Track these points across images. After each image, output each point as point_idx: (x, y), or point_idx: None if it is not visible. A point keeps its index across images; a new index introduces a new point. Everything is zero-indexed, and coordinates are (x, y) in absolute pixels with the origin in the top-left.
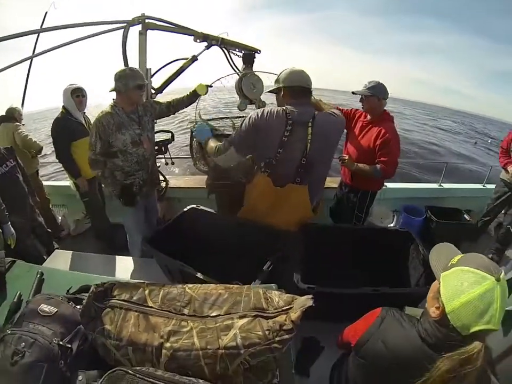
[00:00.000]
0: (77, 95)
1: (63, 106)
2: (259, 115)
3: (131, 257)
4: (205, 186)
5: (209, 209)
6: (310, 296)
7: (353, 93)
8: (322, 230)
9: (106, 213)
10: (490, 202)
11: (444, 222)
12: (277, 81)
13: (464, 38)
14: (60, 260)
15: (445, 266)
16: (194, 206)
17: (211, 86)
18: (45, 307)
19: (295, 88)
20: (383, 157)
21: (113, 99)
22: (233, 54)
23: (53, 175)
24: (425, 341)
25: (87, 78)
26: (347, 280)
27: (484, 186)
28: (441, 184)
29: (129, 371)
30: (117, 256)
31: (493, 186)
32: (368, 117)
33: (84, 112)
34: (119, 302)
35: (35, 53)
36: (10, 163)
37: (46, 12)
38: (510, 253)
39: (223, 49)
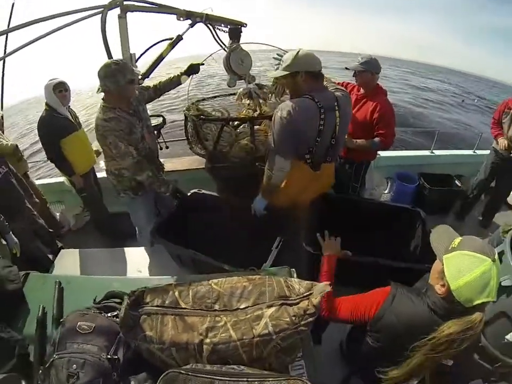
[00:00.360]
0: (59, 90)
1: (46, 103)
2: (292, 112)
3: (139, 248)
4: (202, 167)
5: (211, 192)
6: (328, 282)
7: (346, 68)
8: (335, 201)
9: (105, 203)
10: (482, 173)
11: (436, 188)
12: (291, 65)
13: None
14: (68, 260)
15: (446, 249)
16: (196, 190)
17: (202, 64)
18: (83, 324)
19: (315, 73)
20: (381, 130)
21: (103, 99)
22: (219, 30)
23: (42, 165)
24: (435, 312)
25: (63, 64)
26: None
27: (474, 152)
28: (433, 151)
29: (182, 371)
30: (125, 249)
31: (483, 152)
32: (362, 90)
33: (69, 106)
34: (154, 308)
35: (7, 50)
36: (2, 169)
37: (13, 3)
38: (497, 218)
39: (208, 25)
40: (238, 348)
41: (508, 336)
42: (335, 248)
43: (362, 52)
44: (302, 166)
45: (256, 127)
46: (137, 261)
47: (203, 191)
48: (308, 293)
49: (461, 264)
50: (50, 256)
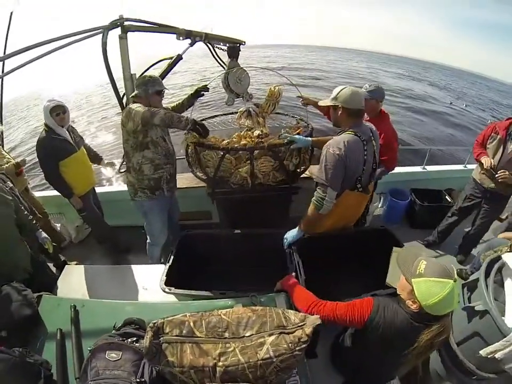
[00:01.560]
0: (56, 113)
1: (45, 123)
2: (342, 149)
3: (142, 266)
4: (200, 185)
5: (203, 231)
6: (318, 316)
7: None
8: (311, 241)
9: (105, 217)
10: (459, 201)
11: (426, 205)
12: (335, 99)
13: None
14: (73, 277)
15: (414, 273)
16: (186, 232)
17: (207, 90)
18: (112, 353)
19: (355, 110)
20: (385, 156)
21: (134, 102)
22: (218, 48)
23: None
24: (413, 319)
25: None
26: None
27: (465, 167)
28: (425, 167)
29: None
30: (129, 266)
31: (473, 166)
32: (366, 115)
33: (70, 125)
34: (174, 337)
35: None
36: (9, 184)
37: (12, 12)
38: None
39: (208, 44)
40: (245, 369)
41: (481, 352)
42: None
43: (348, 46)
44: (354, 193)
45: (262, 158)
46: (142, 278)
47: (193, 231)
48: (301, 324)
49: (429, 289)
50: (54, 270)
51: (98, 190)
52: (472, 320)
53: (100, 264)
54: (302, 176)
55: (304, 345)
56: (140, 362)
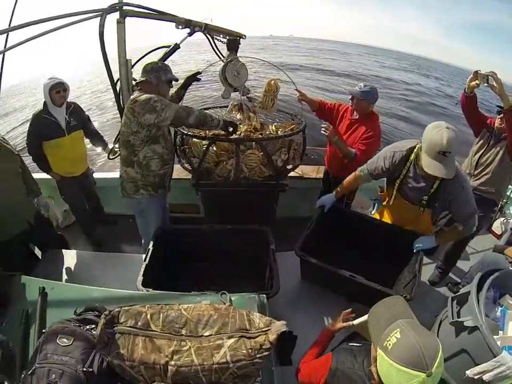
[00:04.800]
0: (56, 90)
1: (44, 101)
2: None
3: (121, 254)
4: (189, 177)
5: (177, 226)
6: (285, 322)
7: (351, 94)
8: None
9: (104, 204)
10: None
11: None
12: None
13: None
14: (54, 260)
15: (382, 342)
16: (160, 227)
17: (199, 80)
18: (63, 338)
19: None
20: (361, 146)
21: (140, 89)
22: (218, 40)
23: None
24: None
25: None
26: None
27: None
28: None
29: None
30: (109, 254)
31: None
32: (355, 114)
33: (72, 106)
34: (127, 328)
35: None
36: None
37: None
38: (476, 242)
39: (207, 35)
40: (198, 371)
41: (468, 372)
42: (339, 324)
43: (343, 40)
44: None
45: (249, 151)
46: (120, 266)
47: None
48: (266, 329)
49: (391, 375)
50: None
51: (97, 175)
52: (460, 335)
53: (84, 250)
54: (291, 175)
55: (266, 353)
56: (91, 351)
